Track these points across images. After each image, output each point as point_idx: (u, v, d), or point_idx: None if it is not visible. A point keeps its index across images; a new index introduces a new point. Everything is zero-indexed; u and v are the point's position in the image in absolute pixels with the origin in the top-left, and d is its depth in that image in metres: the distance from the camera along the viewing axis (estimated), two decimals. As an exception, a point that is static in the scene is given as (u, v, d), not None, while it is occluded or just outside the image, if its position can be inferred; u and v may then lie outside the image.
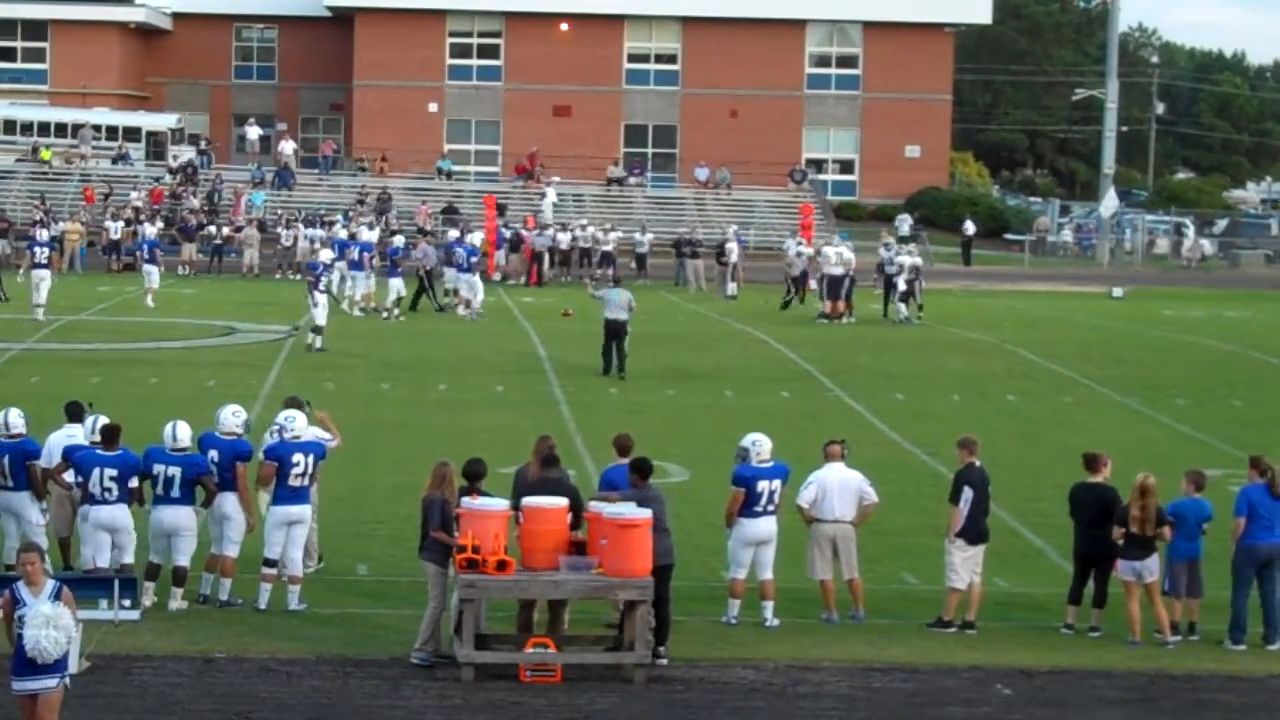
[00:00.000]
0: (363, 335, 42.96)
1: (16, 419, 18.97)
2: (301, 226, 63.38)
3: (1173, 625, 18.29)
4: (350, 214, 66.48)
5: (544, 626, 17.43)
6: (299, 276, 61.34)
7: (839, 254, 50.63)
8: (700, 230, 66.50)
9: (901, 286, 49.70)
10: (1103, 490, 18.66)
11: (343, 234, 53.99)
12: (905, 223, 74.45)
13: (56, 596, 12.99)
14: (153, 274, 50.11)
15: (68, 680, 13.11)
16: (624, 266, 62.79)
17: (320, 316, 39.57)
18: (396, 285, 47.79)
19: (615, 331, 36.04)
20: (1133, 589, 18.20)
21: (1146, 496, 18.14)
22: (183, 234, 64.79)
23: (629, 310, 36.15)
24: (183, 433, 18.47)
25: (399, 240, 52.00)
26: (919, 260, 51.65)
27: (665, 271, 63.01)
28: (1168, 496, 18.51)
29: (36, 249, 46.86)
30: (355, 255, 48.41)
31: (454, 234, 52.59)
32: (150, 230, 56.39)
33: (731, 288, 57.32)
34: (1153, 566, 18.18)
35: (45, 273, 45.62)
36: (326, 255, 44.16)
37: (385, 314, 47.12)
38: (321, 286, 40.09)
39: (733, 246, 58.34)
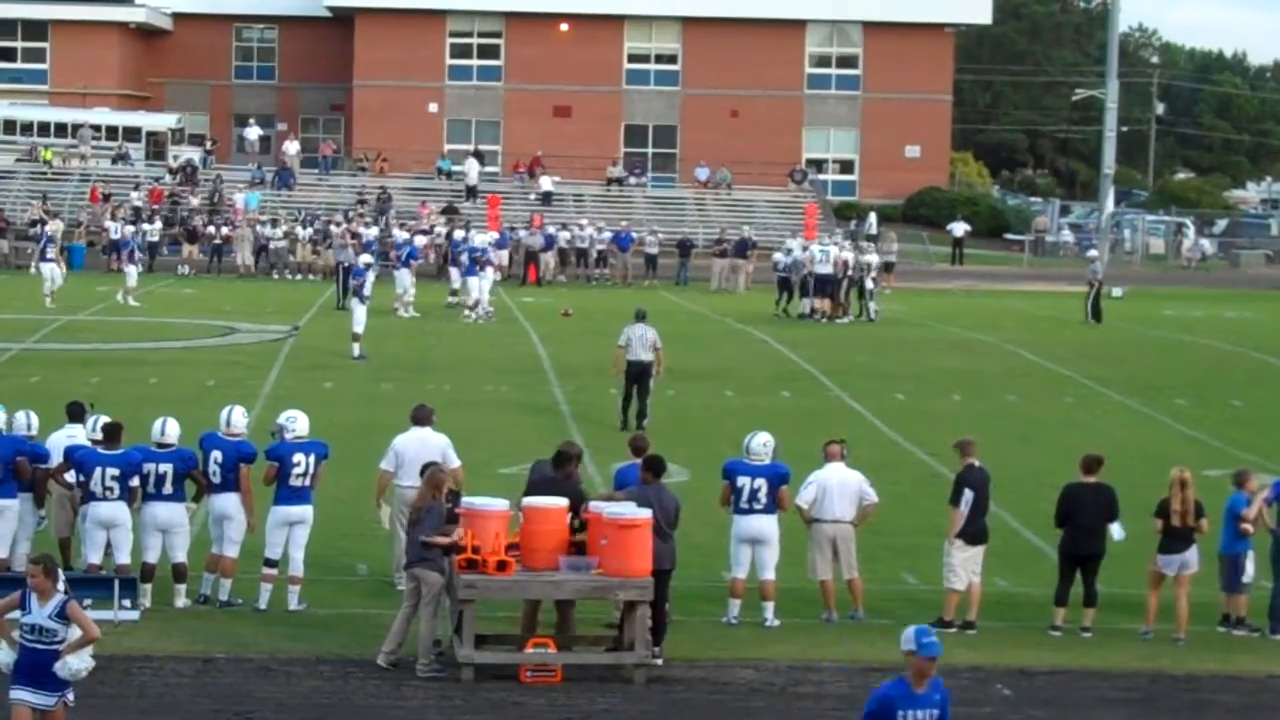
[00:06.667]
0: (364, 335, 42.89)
1: (30, 419, 19.03)
2: (300, 228, 63.30)
3: (1225, 618, 18.60)
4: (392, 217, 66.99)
5: (548, 627, 17.41)
6: (299, 277, 61.42)
7: (827, 253, 50.69)
8: (748, 230, 65.74)
9: (869, 285, 49.96)
10: (1105, 490, 18.70)
11: (404, 235, 55.08)
12: (870, 222, 74.14)
13: (60, 613, 12.75)
14: (131, 273, 50.85)
15: (69, 698, 12.96)
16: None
17: (358, 323, 38.66)
18: (475, 284, 47.99)
19: (637, 375, 30.26)
20: (1156, 580, 18.36)
21: (1186, 489, 18.35)
22: (184, 234, 64.80)
23: (653, 350, 30.48)
24: (171, 429, 18.47)
25: (480, 238, 52.28)
26: (850, 255, 51.72)
27: (670, 273, 63.10)
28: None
29: (123, 248, 53.14)
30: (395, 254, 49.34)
31: (459, 235, 52.58)
32: (149, 229, 58.91)
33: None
34: (1193, 559, 18.33)
35: (132, 269, 50.77)
36: (366, 259, 43.76)
37: (469, 313, 47.50)
38: (367, 291, 39.49)
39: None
